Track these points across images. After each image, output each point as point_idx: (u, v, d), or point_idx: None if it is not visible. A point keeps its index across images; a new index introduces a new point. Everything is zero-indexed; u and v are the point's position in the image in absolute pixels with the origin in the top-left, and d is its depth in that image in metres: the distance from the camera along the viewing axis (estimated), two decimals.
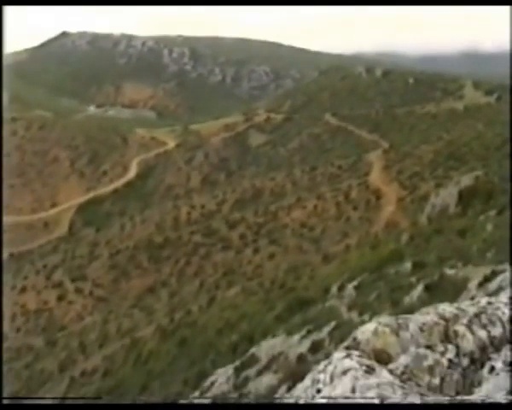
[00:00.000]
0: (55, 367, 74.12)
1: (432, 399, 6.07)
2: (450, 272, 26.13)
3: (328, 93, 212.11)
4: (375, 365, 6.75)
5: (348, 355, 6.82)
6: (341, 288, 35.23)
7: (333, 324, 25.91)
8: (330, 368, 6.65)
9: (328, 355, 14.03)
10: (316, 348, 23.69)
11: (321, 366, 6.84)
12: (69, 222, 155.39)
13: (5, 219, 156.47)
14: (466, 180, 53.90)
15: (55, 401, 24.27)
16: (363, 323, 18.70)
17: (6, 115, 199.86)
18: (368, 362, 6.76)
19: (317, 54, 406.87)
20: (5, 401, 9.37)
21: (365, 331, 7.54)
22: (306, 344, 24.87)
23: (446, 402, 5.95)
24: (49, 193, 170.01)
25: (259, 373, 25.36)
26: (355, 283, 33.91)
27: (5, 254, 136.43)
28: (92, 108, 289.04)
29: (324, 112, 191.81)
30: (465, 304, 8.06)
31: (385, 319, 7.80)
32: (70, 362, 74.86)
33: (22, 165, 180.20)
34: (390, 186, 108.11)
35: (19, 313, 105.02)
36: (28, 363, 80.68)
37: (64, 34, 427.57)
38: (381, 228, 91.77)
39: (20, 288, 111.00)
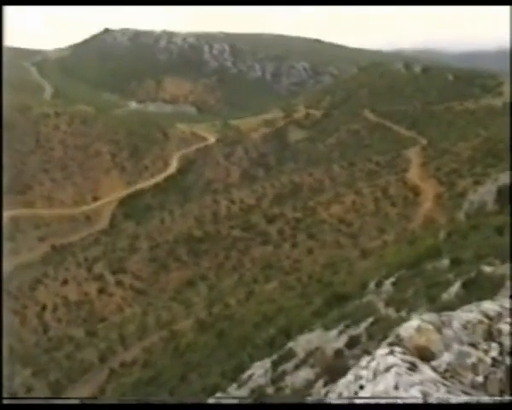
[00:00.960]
0: (95, 358, 74.67)
1: (435, 399, 5.95)
2: (487, 269, 25.78)
3: (367, 89, 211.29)
4: (418, 362, 6.64)
5: (391, 352, 6.71)
6: (379, 283, 34.97)
7: (370, 319, 25.69)
8: (373, 365, 6.55)
9: (365, 351, 13.89)
10: (353, 343, 23.51)
11: (363, 363, 6.73)
12: (110, 215, 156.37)
13: (47, 211, 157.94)
14: (504, 178, 53.21)
15: (55, 401, 24.31)
16: (400, 319, 18.54)
17: (49, 110, 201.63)
18: (411, 359, 6.65)
19: (356, 50, 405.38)
20: (5, 401, 9.31)
21: (408, 328, 7.42)
22: (343, 339, 24.71)
23: (449, 402, 5.83)
24: (91, 187, 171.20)
25: (296, 367, 25.26)
26: (392, 279, 33.65)
27: (47, 247, 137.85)
28: (133, 104, 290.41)
29: (363, 108, 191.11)
30: (508, 302, 7.91)
31: (428, 316, 7.67)
32: (110, 353, 75.38)
33: (65, 159, 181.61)
34: (428, 183, 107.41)
35: (60, 304, 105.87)
36: (69, 353, 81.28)
37: (106, 31, 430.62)
38: (419, 224, 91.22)
39: (62, 280, 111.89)
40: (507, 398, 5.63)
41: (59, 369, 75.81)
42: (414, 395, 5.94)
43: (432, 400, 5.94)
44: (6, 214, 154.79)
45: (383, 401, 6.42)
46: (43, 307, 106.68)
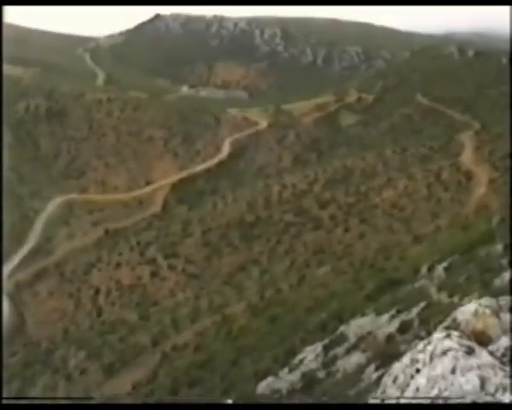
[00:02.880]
0: (148, 341, 75.28)
1: (435, 399, 5.77)
2: None
3: (420, 74, 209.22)
4: (475, 346, 6.48)
5: (448, 336, 6.55)
6: (431, 269, 34.64)
7: (422, 304, 25.44)
8: (430, 348, 6.39)
9: (417, 336, 13.72)
10: (405, 328, 23.28)
11: (420, 346, 6.58)
12: (163, 200, 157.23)
13: (101, 196, 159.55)
14: None
15: (56, 401, 24.49)
16: (452, 304, 18.27)
17: (102, 96, 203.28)
18: (468, 343, 6.48)
19: (409, 34, 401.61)
20: (5, 401, 9.37)
21: (465, 312, 7.25)
22: (395, 324, 24.50)
23: (449, 402, 5.66)
24: (144, 172, 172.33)
25: (348, 352, 25.13)
26: (445, 264, 33.29)
27: (101, 231, 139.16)
28: (185, 89, 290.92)
29: (415, 92, 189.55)
30: None
31: (485, 300, 7.49)
32: (162, 337, 75.93)
33: (118, 145, 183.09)
34: (481, 167, 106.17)
35: (114, 288, 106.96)
36: (122, 336, 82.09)
37: (158, 17, 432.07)
38: (472, 209, 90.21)
39: (115, 264, 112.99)
40: (507, 398, 5.45)
41: (112, 352, 76.62)
42: (471, 378, 5.79)
43: (432, 400, 5.81)
44: (61, 200, 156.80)
45: (388, 402, 6.33)
46: (97, 291, 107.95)
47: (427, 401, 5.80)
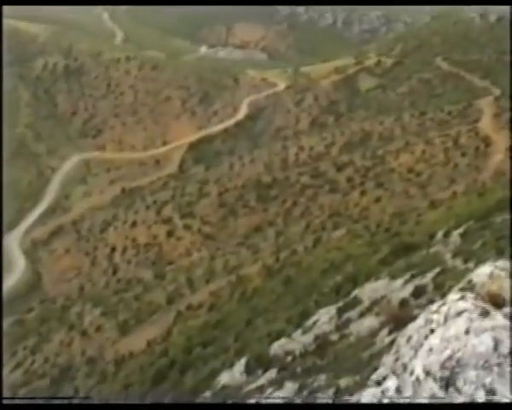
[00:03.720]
0: (163, 300, 75.76)
1: (435, 400, 5.75)
2: None
3: (440, 38, 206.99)
4: (490, 308, 6.44)
5: (463, 297, 6.51)
6: (447, 234, 34.51)
7: (437, 270, 25.37)
8: (444, 309, 6.36)
9: (431, 301, 13.70)
10: (419, 293, 23.23)
11: (434, 307, 6.55)
12: (179, 160, 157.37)
13: (118, 155, 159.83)
14: None
15: (56, 401, 24.77)
16: (467, 270, 18.22)
17: (120, 55, 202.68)
18: (482, 305, 6.44)
19: None
20: (5, 401, 9.48)
21: (480, 274, 7.21)
22: (409, 289, 24.45)
23: (449, 402, 5.63)
24: (161, 131, 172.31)
25: (361, 315, 25.13)
26: (461, 230, 33.15)
27: (117, 190, 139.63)
28: (204, 49, 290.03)
29: (435, 57, 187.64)
30: None
31: (501, 262, 7.43)
32: (177, 296, 76.37)
33: (135, 104, 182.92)
34: (500, 134, 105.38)
35: (129, 247, 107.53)
36: (137, 294, 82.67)
37: None
38: (490, 176, 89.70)
39: (132, 222, 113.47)
40: (507, 398, 5.41)
41: (127, 310, 77.20)
42: (485, 340, 5.75)
43: (431, 400, 5.80)
44: (78, 158, 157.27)
45: (386, 401, 6.32)
46: (113, 249, 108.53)
47: (426, 401, 5.81)
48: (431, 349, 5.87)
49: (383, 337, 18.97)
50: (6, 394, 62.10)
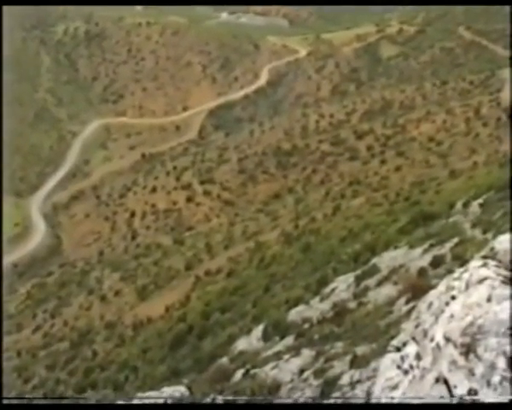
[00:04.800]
0: (182, 266, 75.90)
1: (435, 399, 5.63)
2: None
3: (463, 6, 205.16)
4: None
5: (485, 264, 6.34)
6: (466, 204, 34.22)
7: (455, 240, 25.15)
8: (466, 276, 6.20)
9: (449, 271, 13.57)
10: (437, 262, 23.04)
11: (456, 274, 6.40)
12: (199, 126, 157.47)
13: (138, 121, 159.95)
14: None
15: (56, 401, 24.83)
16: (486, 241, 18.02)
17: (141, 20, 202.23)
18: (505, 273, 6.28)
19: None
20: (5, 401, 9.45)
21: (503, 242, 7.03)
22: (428, 258, 24.26)
23: (449, 402, 5.50)
24: (181, 97, 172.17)
25: (379, 284, 25.01)
26: (480, 200, 32.83)
27: (138, 155, 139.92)
28: (225, 15, 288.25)
29: (458, 25, 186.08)
30: None
31: None
32: (196, 261, 76.50)
33: (156, 69, 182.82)
34: None
35: (149, 212, 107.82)
36: (156, 260, 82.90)
37: None
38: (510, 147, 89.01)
39: (151, 188, 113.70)
40: (507, 397, 5.26)
41: (146, 275, 77.48)
42: (506, 307, 5.61)
43: (430, 399, 5.68)
44: (99, 123, 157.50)
45: (383, 401, 6.21)
46: (132, 214, 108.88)
47: (427, 401, 5.71)
48: (452, 316, 5.75)
49: (401, 306, 18.88)
50: (25, 358, 62.68)
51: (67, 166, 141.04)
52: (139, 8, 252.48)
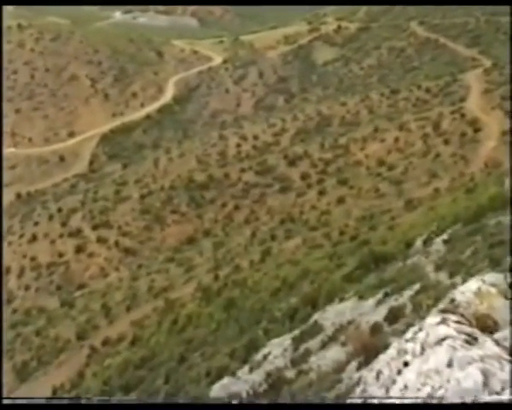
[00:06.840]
0: (73, 334, 75.28)
1: (434, 399, 5.91)
2: None
3: None
4: (478, 333, 6.57)
5: (444, 321, 6.63)
6: (428, 242, 34.95)
7: (416, 286, 25.63)
8: (421, 336, 6.48)
9: (409, 326, 13.87)
10: (394, 316, 23.46)
11: (409, 334, 6.66)
12: (90, 156, 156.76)
13: (11, 151, 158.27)
14: None
15: (56, 401, 24.71)
16: (454, 287, 18.49)
17: (12, 23, 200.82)
18: (468, 330, 6.59)
19: None
20: (5, 401, 9.77)
21: (465, 292, 7.35)
22: (383, 311, 24.67)
23: (449, 402, 5.79)
24: (66, 119, 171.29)
25: (323, 346, 25.32)
26: (445, 236, 33.57)
27: (11, 195, 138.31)
28: (118, 14, 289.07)
29: (409, 20, 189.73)
30: None
31: (490, 276, 7.59)
32: (90, 328, 75.97)
33: (32, 85, 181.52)
34: (491, 115, 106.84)
35: (28, 268, 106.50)
36: (39, 328, 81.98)
37: None
38: (480, 168, 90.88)
39: (30, 236, 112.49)
40: (507, 397, 5.57)
41: (26, 348, 76.55)
42: (472, 374, 5.90)
43: (429, 399, 5.92)
44: None
45: (383, 401, 6.42)
46: (8, 271, 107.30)
47: (419, 401, 5.90)
48: (406, 387, 5.96)
49: (352, 373, 19.15)
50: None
51: None
52: (10, 8, 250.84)
